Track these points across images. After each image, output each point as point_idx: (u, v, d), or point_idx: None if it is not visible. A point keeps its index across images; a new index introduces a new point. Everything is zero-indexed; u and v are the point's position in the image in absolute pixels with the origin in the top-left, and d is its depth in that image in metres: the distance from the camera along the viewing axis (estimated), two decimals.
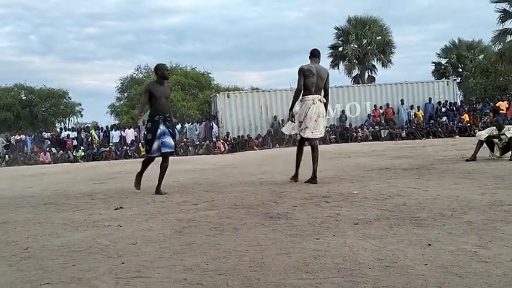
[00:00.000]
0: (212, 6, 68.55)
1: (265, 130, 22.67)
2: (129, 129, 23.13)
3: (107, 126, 24.22)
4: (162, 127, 6.49)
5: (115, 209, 5.38)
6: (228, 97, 23.09)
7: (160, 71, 6.68)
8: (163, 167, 6.63)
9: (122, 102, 37.98)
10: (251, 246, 3.33)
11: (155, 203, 5.76)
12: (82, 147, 21.97)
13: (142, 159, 7.11)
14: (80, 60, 62.84)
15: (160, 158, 6.65)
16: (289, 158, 6.57)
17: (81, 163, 19.73)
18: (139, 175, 6.84)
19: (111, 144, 22.35)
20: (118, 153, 21.52)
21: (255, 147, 20.84)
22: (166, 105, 6.67)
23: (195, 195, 6.18)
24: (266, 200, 5.42)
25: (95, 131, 23.66)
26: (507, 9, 24.16)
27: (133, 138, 22.34)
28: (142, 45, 65.05)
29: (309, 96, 6.69)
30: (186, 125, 23.29)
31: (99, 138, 22.77)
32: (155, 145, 6.49)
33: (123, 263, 3.10)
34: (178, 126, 23.07)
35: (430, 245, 3.11)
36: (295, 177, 6.97)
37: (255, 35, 70.38)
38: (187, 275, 2.77)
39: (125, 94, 38.47)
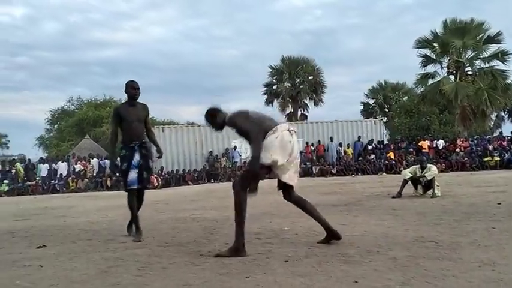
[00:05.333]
0: (149, 41, 68.26)
1: (201, 165, 22.54)
2: (62, 162, 22.22)
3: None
4: (137, 156, 5.62)
5: (37, 248, 5.10)
6: (163, 131, 22.86)
7: (127, 90, 5.68)
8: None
9: (51, 134, 36.65)
10: (179, 286, 3.26)
11: (81, 240, 5.52)
12: (6, 181, 20.73)
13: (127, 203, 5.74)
14: (9, 90, 60.05)
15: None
16: (223, 193, 6.51)
17: (4, 198, 18.57)
18: (131, 223, 5.79)
19: (38, 178, 21.29)
20: (45, 187, 20.52)
21: (190, 182, 20.60)
22: (141, 129, 5.75)
23: (123, 233, 5.99)
24: (198, 237, 5.35)
25: (21, 164, 22.42)
26: (428, 54, 25.95)
27: (65, 173, 21.44)
28: (75, 76, 63.28)
29: None
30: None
31: (24, 171, 21.55)
32: (132, 175, 5.57)
33: None
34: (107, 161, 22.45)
35: (356, 282, 3.18)
36: None
37: (192, 70, 70.66)
38: None
39: (55, 126, 37.20)
